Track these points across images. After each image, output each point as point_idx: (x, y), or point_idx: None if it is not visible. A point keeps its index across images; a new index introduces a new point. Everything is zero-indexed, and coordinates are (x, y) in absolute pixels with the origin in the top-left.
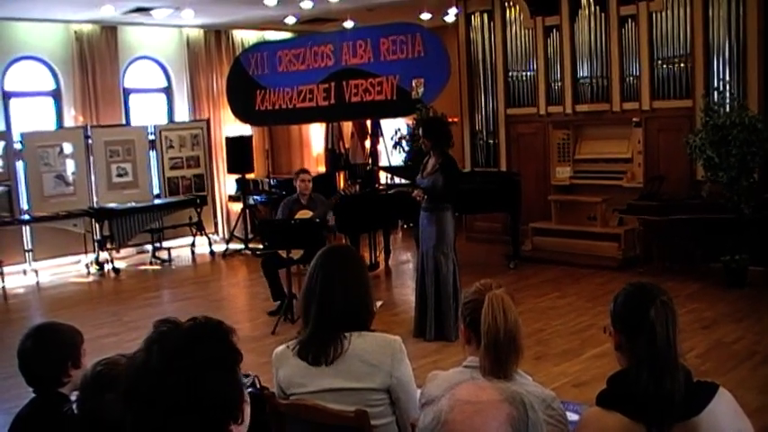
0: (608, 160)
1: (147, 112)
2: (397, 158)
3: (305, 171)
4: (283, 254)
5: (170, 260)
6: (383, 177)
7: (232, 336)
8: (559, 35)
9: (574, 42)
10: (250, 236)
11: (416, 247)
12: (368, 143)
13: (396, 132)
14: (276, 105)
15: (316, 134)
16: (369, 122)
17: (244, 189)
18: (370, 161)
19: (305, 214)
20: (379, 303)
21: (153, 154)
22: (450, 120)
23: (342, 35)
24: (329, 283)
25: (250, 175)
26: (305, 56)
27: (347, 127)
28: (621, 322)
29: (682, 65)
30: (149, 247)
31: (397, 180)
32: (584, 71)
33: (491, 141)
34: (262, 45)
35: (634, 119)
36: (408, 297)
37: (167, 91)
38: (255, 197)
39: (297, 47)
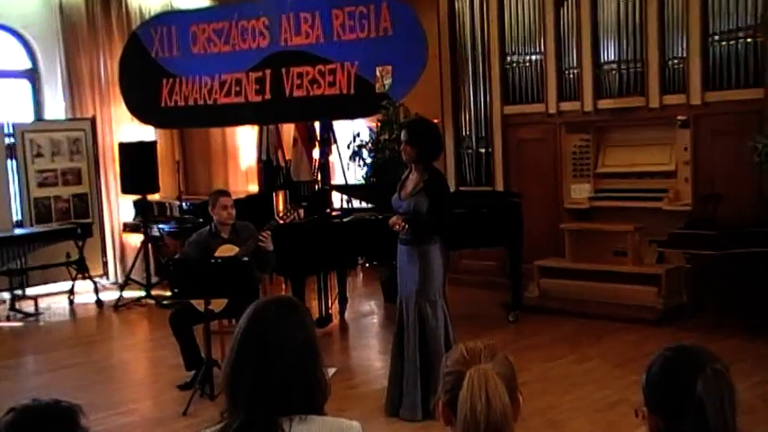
0: (642, 174)
1: (0, 105)
2: (356, 174)
3: (224, 193)
4: (200, 305)
5: (37, 314)
6: (337, 199)
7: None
8: (576, 5)
9: (596, 15)
10: (153, 280)
11: (383, 292)
12: (316, 153)
13: (354, 139)
14: (190, 100)
15: (245, 140)
16: (317, 125)
17: (145, 215)
18: (319, 177)
19: (228, 251)
20: (331, 371)
21: (11, 164)
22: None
23: (280, 5)
24: (263, 347)
25: (154, 197)
26: (229, 33)
27: (288, 131)
28: (659, 400)
29: (748, 41)
30: (6, 295)
31: (355, 203)
32: (609, 54)
33: (482, 151)
34: (169, 16)
35: (679, 117)
36: (372, 362)
37: (32, 76)
38: (161, 226)
39: (218, 20)
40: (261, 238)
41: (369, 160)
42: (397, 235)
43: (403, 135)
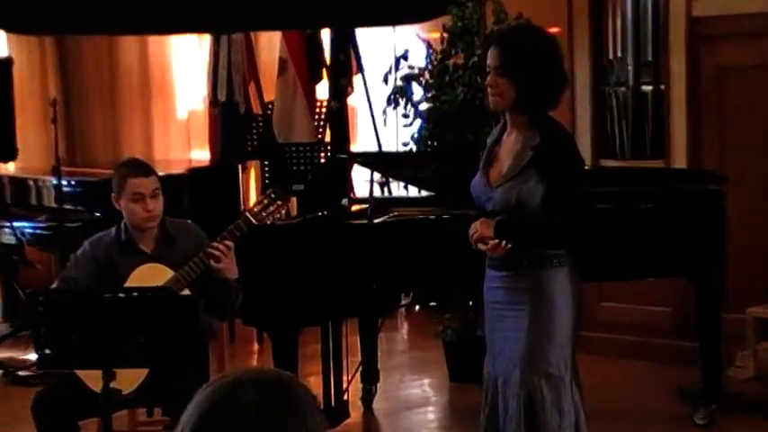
0: None
1: None
2: (398, 132)
3: (138, 168)
4: (92, 381)
5: None
6: (362, 180)
7: None
8: None
9: None
10: (5, 329)
11: (447, 362)
12: (323, 91)
13: (396, 64)
14: None
15: (186, 65)
16: (326, 38)
17: None
18: (327, 137)
19: (151, 276)
20: None
21: None
22: None
23: None
24: None
25: (5, 168)
26: None
27: (269, 48)
28: None
29: None
30: None
31: (396, 187)
32: None
33: (647, 89)
34: None
35: None
36: None
37: None
38: (20, 225)
39: None
40: (215, 252)
41: (424, 106)
42: (481, 254)
43: (490, 57)
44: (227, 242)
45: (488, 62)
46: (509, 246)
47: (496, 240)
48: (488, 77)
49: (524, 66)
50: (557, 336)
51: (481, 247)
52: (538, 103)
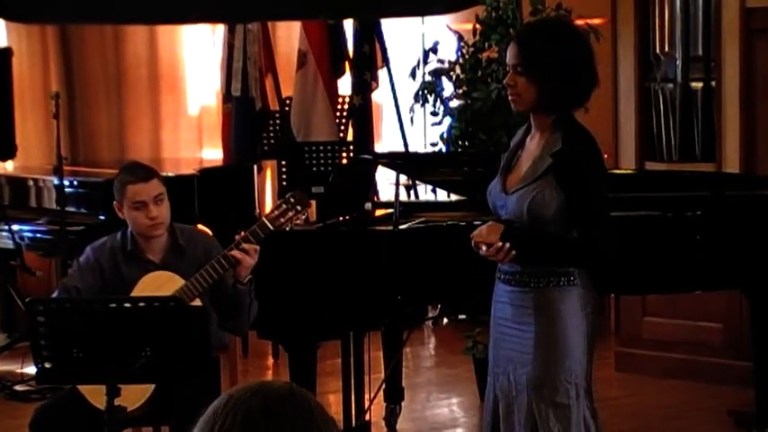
0: None
1: None
2: (427, 131)
3: (141, 173)
4: (95, 397)
5: None
6: (387, 183)
7: None
8: None
9: None
10: (2, 341)
11: (477, 378)
12: (345, 86)
13: (425, 57)
14: None
15: (197, 57)
16: (349, 29)
17: None
18: (350, 136)
19: (159, 285)
20: None
21: None
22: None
23: None
24: None
25: (4, 165)
26: None
27: (287, 40)
28: None
29: None
30: None
31: (424, 190)
32: None
33: (696, 86)
34: None
35: None
36: None
37: None
38: (19, 229)
39: None
40: (231, 257)
41: (454, 103)
42: (493, 264)
43: (509, 54)
44: (245, 246)
45: (507, 60)
46: (513, 253)
47: (500, 243)
48: (507, 75)
49: (544, 64)
50: (564, 361)
51: (486, 252)
52: (560, 104)
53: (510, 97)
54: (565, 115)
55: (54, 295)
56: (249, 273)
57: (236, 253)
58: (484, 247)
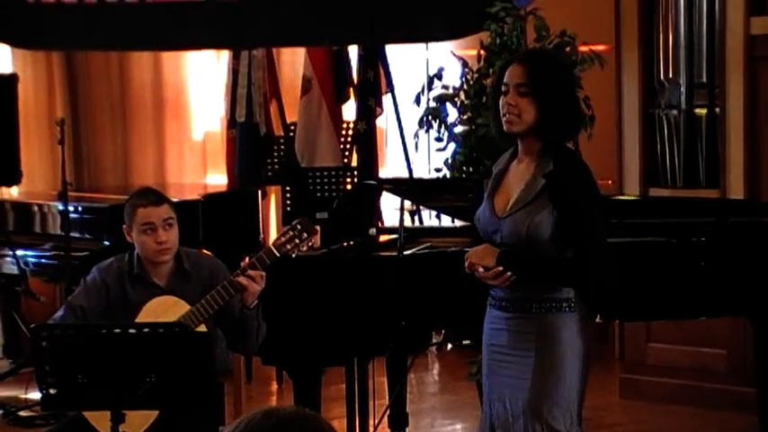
0: None
1: None
2: (431, 156)
3: (151, 198)
4: (98, 422)
5: None
6: (391, 208)
7: None
8: None
9: None
10: (2, 367)
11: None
12: (350, 111)
13: (429, 83)
14: None
15: (203, 84)
16: (354, 54)
17: None
18: (354, 161)
19: (165, 310)
20: None
21: None
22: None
23: None
24: None
25: (8, 192)
26: None
27: (292, 66)
28: None
29: None
30: None
31: (427, 216)
32: None
33: (700, 112)
34: None
35: None
36: None
37: None
38: (24, 254)
39: None
40: (237, 284)
41: (458, 129)
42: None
43: (511, 74)
44: (252, 272)
45: (507, 80)
46: (509, 274)
47: (499, 268)
48: (507, 96)
49: (550, 87)
50: (563, 388)
51: (480, 272)
52: (558, 129)
53: (506, 117)
54: (557, 141)
55: (59, 314)
56: (256, 298)
57: (242, 279)
58: (481, 269)
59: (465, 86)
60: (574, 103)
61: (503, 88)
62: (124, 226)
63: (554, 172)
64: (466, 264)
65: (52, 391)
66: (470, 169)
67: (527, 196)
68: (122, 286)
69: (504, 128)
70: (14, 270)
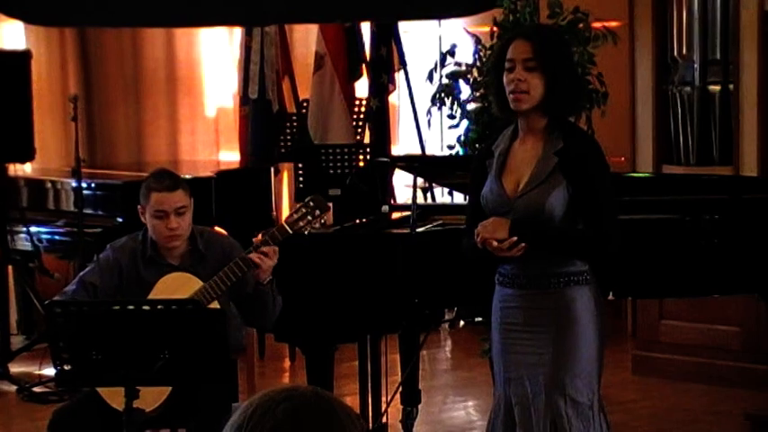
0: None
1: None
2: (443, 134)
3: (166, 181)
4: (115, 399)
5: None
6: (404, 186)
7: None
8: None
9: None
10: (16, 343)
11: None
12: (362, 89)
13: (442, 60)
14: None
15: (215, 61)
16: (366, 32)
17: (2, 209)
18: (367, 139)
19: (178, 287)
20: None
21: None
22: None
23: None
24: None
25: (21, 169)
26: None
27: (305, 43)
28: None
29: None
30: None
31: (440, 193)
32: None
33: (714, 89)
34: None
35: None
36: None
37: None
38: (37, 230)
39: None
40: (250, 260)
41: (471, 106)
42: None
43: (516, 50)
44: (266, 248)
45: (512, 56)
46: (525, 246)
47: (514, 238)
48: (513, 72)
49: (557, 61)
50: (583, 360)
51: (495, 245)
52: (564, 104)
53: (515, 95)
54: (563, 116)
55: (71, 287)
56: (269, 274)
57: (254, 256)
58: (495, 242)
59: (478, 63)
60: (578, 78)
61: (507, 65)
62: (139, 206)
63: (565, 148)
64: (477, 239)
65: (66, 368)
66: (483, 146)
67: (540, 175)
68: (135, 265)
69: (512, 106)
70: (28, 247)
